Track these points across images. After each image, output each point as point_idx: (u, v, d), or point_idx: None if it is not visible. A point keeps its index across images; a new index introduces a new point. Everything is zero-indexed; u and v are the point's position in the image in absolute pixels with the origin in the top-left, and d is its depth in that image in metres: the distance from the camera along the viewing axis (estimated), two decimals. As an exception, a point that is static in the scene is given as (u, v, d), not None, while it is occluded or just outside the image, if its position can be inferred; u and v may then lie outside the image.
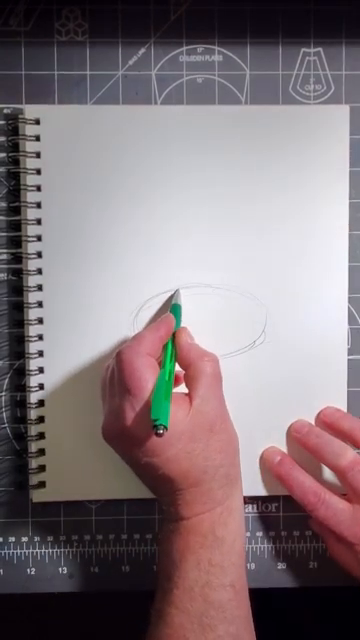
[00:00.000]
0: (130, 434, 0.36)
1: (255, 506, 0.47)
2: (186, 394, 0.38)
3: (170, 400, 0.35)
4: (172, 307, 0.42)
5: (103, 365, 0.40)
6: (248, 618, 0.38)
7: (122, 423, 0.36)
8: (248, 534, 0.46)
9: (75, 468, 0.44)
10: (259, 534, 0.47)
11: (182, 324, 0.44)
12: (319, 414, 0.44)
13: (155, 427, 0.33)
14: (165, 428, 0.33)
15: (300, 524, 0.46)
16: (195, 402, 0.37)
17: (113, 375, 0.38)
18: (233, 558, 0.38)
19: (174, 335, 0.40)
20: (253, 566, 0.46)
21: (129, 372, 0.36)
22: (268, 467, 0.44)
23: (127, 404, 0.36)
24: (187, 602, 0.36)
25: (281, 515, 0.47)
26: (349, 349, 0.46)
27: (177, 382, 0.40)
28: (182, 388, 0.39)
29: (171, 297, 0.44)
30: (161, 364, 0.38)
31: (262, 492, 0.45)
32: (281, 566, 0.47)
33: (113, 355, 0.38)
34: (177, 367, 0.40)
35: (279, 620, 0.62)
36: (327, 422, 0.44)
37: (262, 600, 0.50)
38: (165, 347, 0.39)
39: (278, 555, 0.47)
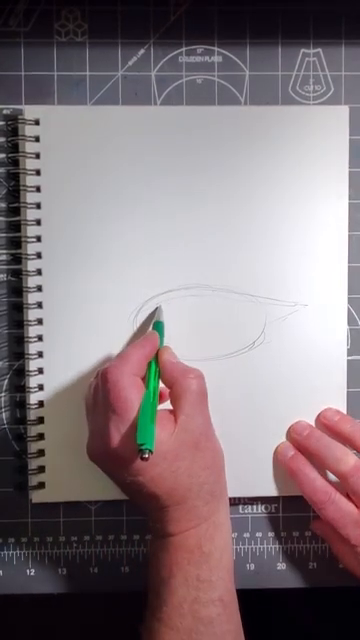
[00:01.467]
0: (115, 455, 0.35)
1: (255, 507, 0.47)
2: (170, 411, 0.38)
3: (155, 422, 0.35)
4: (155, 324, 0.42)
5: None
6: (238, 632, 0.39)
7: (107, 444, 0.36)
8: (247, 534, 0.46)
9: (75, 469, 0.44)
10: (259, 534, 0.47)
11: (182, 325, 0.44)
12: (319, 416, 0.44)
13: (141, 451, 0.33)
14: (151, 452, 0.33)
15: (300, 525, 0.46)
16: (180, 420, 0.37)
17: (97, 394, 0.37)
18: (221, 573, 0.38)
19: (157, 353, 0.40)
20: (253, 566, 0.46)
21: (115, 393, 0.36)
22: (280, 461, 0.44)
23: (112, 425, 0.35)
24: (176, 619, 0.36)
25: (281, 516, 0.47)
26: (349, 349, 0.46)
27: (162, 399, 0.40)
28: (168, 404, 0.39)
29: (153, 313, 0.44)
30: (145, 382, 0.38)
31: (262, 493, 0.45)
32: (281, 566, 0.47)
33: (96, 374, 0.38)
34: (161, 384, 0.39)
35: (279, 620, 0.62)
36: (327, 424, 0.44)
37: (262, 600, 0.50)
38: (149, 366, 0.39)
39: (278, 555, 0.47)
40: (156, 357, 0.40)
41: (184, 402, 0.37)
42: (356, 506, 0.41)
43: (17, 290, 0.44)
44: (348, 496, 0.42)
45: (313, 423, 0.45)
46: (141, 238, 0.44)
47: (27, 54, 0.44)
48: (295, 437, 0.44)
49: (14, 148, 0.44)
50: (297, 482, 0.43)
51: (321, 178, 0.44)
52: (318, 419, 0.44)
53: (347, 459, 0.41)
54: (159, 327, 0.41)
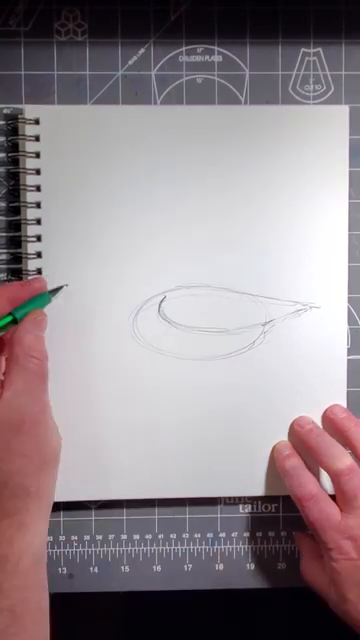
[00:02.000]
0: None
1: (255, 506, 0.47)
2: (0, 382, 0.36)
3: None
4: (44, 294, 0.39)
5: (102, 365, 0.40)
6: None
7: None
8: (247, 534, 0.46)
9: (75, 468, 0.44)
10: (259, 534, 0.47)
11: (182, 325, 0.44)
12: (326, 411, 0.44)
13: None
14: None
15: (300, 524, 0.46)
16: (6, 394, 0.34)
17: None
18: (16, 581, 0.34)
19: (27, 313, 0.37)
20: (252, 566, 0.46)
21: None
22: (275, 458, 0.44)
23: None
24: None
25: (281, 515, 0.47)
26: (349, 349, 0.46)
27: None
28: None
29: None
30: None
31: (262, 492, 0.45)
32: (281, 566, 0.47)
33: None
34: None
35: (279, 620, 0.62)
36: (332, 419, 0.44)
37: (262, 600, 0.50)
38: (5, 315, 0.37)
39: (277, 555, 0.47)
40: (21, 313, 0.38)
41: (18, 378, 0.35)
42: (340, 509, 0.41)
43: (17, 289, 0.44)
44: (334, 499, 0.42)
45: (314, 422, 0.45)
46: (141, 237, 0.44)
47: (27, 54, 0.44)
48: (297, 429, 0.44)
49: (14, 147, 0.44)
50: (287, 480, 0.43)
51: (321, 178, 0.44)
52: (325, 413, 0.44)
53: (343, 459, 0.41)
54: (44, 297, 0.39)
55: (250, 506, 0.47)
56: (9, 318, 0.38)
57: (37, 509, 0.36)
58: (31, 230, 0.43)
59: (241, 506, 0.47)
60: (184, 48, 0.45)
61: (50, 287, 0.43)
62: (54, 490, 0.38)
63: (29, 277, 0.43)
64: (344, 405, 0.45)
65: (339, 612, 0.40)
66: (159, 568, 0.46)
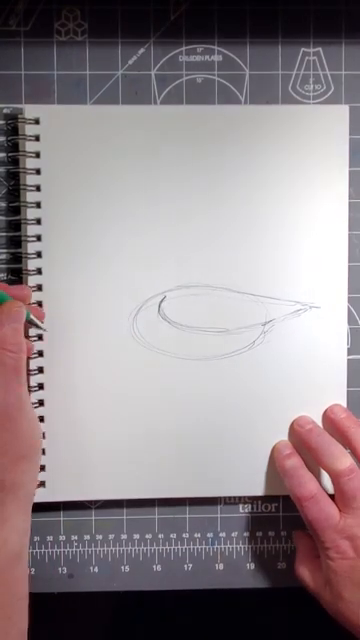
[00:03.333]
0: None
1: (255, 506, 0.47)
2: None
3: None
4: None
5: (102, 365, 0.40)
6: None
7: None
8: (247, 534, 0.46)
9: (75, 468, 0.44)
10: (259, 534, 0.47)
11: (182, 325, 0.44)
12: (326, 410, 0.44)
13: None
14: None
15: (300, 524, 0.46)
16: None
17: None
18: None
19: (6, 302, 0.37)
20: (252, 566, 0.46)
21: None
22: (275, 457, 0.44)
23: None
24: None
25: (281, 515, 0.47)
26: (349, 349, 0.46)
27: None
28: None
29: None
30: None
31: (262, 492, 0.45)
32: (281, 566, 0.47)
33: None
34: None
35: (279, 620, 0.62)
36: (333, 419, 0.44)
37: (262, 600, 0.50)
38: None
39: (278, 555, 0.47)
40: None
41: None
42: (339, 510, 0.41)
43: (17, 289, 0.44)
44: (333, 499, 0.42)
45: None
46: (141, 237, 0.44)
47: (27, 53, 0.44)
48: (297, 429, 0.44)
49: (14, 147, 0.44)
50: (287, 479, 0.42)
51: (321, 177, 0.44)
52: (325, 413, 0.44)
53: (344, 459, 0.41)
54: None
55: (250, 506, 0.47)
56: None
57: (12, 502, 0.35)
58: (31, 230, 0.43)
59: (241, 506, 0.47)
60: (184, 48, 0.45)
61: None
62: (34, 485, 0.38)
63: (29, 277, 0.43)
64: (344, 405, 0.45)
65: (332, 611, 0.40)
66: (159, 568, 0.46)
